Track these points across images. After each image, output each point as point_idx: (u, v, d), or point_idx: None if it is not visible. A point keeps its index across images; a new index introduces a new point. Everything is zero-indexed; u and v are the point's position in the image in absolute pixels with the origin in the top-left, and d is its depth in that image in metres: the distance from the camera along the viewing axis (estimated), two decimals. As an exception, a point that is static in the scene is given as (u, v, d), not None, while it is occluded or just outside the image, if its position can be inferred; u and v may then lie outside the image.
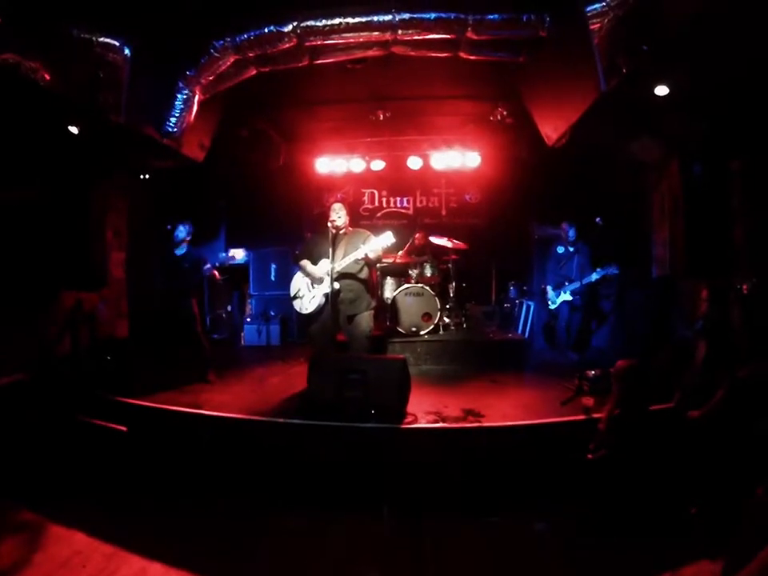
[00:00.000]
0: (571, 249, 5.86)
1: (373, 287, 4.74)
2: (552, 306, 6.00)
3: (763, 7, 3.21)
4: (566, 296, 5.85)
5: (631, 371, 3.27)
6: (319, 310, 4.46)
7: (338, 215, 4.49)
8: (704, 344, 3.53)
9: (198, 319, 5.35)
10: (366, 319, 4.53)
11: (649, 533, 2.81)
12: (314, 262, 4.53)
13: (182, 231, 5.35)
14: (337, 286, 4.34)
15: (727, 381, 2.89)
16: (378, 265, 5.96)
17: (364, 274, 4.56)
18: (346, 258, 4.35)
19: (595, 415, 3.58)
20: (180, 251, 5.38)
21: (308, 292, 4.54)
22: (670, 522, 2.84)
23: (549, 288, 6.03)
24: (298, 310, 4.63)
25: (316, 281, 4.48)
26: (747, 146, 4.71)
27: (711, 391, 2.99)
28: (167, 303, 5.35)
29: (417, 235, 7.22)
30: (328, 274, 4.32)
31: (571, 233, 5.87)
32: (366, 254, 4.31)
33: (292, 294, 4.67)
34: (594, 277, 5.55)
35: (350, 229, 4.62)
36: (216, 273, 5.65)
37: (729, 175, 4.93)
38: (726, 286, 3.54)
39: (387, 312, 6.56)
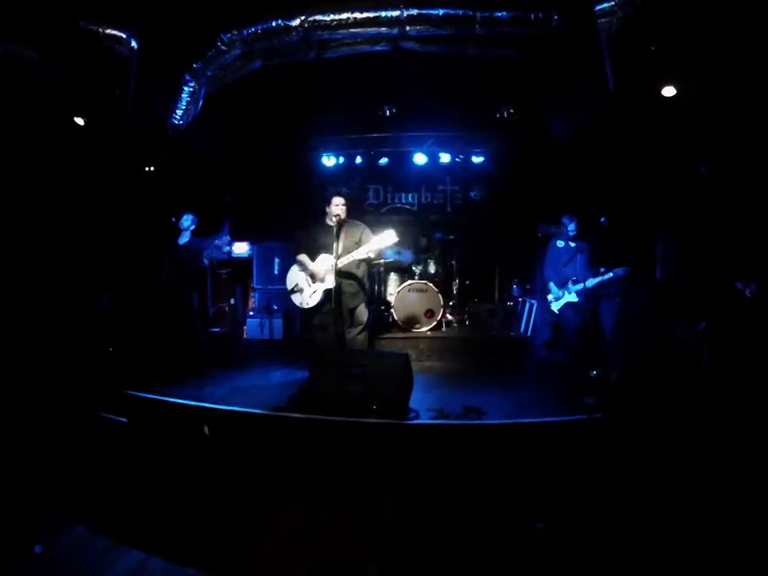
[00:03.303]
0: (572, 244, 5.54)
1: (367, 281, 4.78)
2: (555, 307, 5.51)
3: None
4: (570, 297, 5.43)
5: (633, 372, 3.27)
6: (321, 304, 4.43)
7: (341, 209, 4.44)
8: (707, 346, 3.53)
9: (197, 313, 5.36)
10: (363, 312, 4.56)
11: (649, 534, 2.81)
12: (312, 256, 4.46)
13: (186, 220, 5.37)
14: (338, 280, 4.32)
15: None
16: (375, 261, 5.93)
17: (362, 270, 4.56)
18: (346, 257, 4.31)
19: (596, 415, 3.58)
20: (182, 240, 5.40)
21: (308, 286, 4.48)
22: (670, 522, 2.84)
23: (552, 285, 5.54)
24: (297, 304, 4.57)
25: (318, 279, 4.41)
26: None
27: (714, 393, 2.99)
28: (169, 295, 5.35)
29: None
30: (330, 271, 4.27)
31: (571, 227, 5.48)
32: (368, 254, 4.27)
33: (289, 288, 4.62)
34: (608, 276, 5.22)
35: (347, 221, 4.52)
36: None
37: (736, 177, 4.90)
38: (731, 289, 3.53)
39: (390, 307, 6.56)
